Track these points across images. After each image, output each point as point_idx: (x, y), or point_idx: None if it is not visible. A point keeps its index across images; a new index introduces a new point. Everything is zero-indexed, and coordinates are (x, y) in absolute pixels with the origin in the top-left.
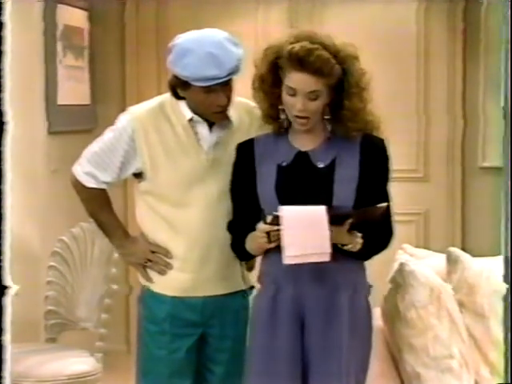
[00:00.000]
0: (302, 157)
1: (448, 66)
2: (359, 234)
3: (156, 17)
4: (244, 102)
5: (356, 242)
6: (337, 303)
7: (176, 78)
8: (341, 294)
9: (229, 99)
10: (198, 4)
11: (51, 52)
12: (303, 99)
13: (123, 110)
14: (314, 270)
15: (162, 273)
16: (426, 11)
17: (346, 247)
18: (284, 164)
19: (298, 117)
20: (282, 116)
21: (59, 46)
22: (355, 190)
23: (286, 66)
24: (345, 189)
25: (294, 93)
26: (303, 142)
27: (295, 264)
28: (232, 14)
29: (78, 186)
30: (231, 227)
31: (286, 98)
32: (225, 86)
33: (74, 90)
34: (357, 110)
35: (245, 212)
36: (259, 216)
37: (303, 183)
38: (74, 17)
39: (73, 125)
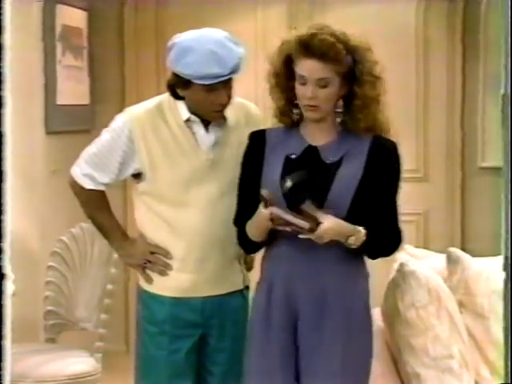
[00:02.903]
0: (312, 151)
1: (447, 66)
2: (362, 229)
3: (155, 17)
4: (242, 103)
5: (359, 236)
6: (326, 304)
7: (176, 76)
8: (330, 296)
9: (229, 98)
10: (196, 4)
11: (50, 52)
12: (313, 87)
13: (122, 110)
14: (304, 270)
15: (161, 273)
16: (426, 11)
17: (349, 240)
18: (293, 156)
19: (308, 106)
20: (296, 111)
21: (58, 46)
22: (356, 188)
23: (296, 54)
24: (344, 186)
25: (304, 81)
26: (314, 137)
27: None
28: (231, 14)
29: (77, 188)
30: (237, 220)
31: (297, 88)
32: (225, 85)
33: (73, 89)
34: (368, 100)
35: (251, 203)
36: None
37: (308, 175)
38: (73, 17)
39: (72, 125)
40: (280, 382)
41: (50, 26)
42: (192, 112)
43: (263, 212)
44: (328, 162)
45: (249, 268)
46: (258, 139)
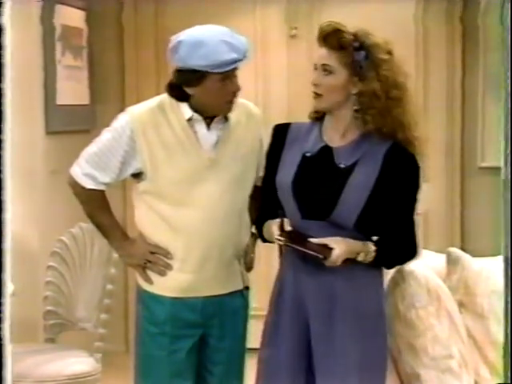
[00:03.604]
0: (327, 152)
1: (447, 67)
2: (372, 245)
3: (154, 17)
4: (242, 102)
5: (368, 252)
6: (336, 305)
7: (187, 73)
8: (339, 296)
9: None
10: (196, 4)
11: (50, 52)
12: (318, 74)
13: (122, 109)
14: (313, 271)
15: (161, 273)
16: (425, 12)
17: (358, 257)
18: (308, 155)
19: (313, 93)
20: None
21: (58, 46)
22: (367, 198)
23: None
24: (354, 195)
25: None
26: (332, 137)
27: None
28: (230, 13)
29: (77, 188)
30: (261, 208)
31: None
32: (234, 73)
33: (72, 90)
34: (370, 96)
35: (270, 193)
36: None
37: (319, 178)
38: (72, 17)
39: (71, 125)
40: (288, 382)
41: (50, 26)
42: (195, 110)
43: (275, 234)
44: (341, 166)
45: (249, 268)
46: (280, 132)
